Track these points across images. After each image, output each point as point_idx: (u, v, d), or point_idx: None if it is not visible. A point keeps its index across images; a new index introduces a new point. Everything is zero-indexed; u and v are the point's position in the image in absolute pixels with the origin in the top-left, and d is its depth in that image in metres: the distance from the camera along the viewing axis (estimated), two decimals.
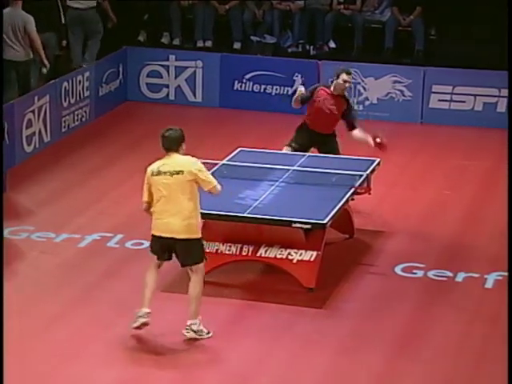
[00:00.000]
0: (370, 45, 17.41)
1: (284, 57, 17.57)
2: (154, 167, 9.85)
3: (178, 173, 9.71)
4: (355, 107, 16.14)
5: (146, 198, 9.99)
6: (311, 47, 17.69)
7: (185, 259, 9.94)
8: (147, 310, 9.85)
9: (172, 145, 9.83)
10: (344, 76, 12.84)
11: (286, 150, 13.01)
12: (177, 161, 9.79)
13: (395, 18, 17.36)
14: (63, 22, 16.94)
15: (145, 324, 9.87)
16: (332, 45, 17.55)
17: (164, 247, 9.96)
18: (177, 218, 9.73)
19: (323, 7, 17.64)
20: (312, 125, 12.93)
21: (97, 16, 17.30)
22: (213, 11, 17.86)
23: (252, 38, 17.86)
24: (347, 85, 12.91)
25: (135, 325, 9.86)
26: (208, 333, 9.97)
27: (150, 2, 18.13)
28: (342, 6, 17.54)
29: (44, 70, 15.54)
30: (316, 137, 12.97)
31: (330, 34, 17.56)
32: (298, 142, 13.01)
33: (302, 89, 12.97)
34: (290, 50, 17.75)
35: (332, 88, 12.89)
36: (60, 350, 9.86)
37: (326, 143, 12.99)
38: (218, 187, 9.94)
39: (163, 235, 9.84)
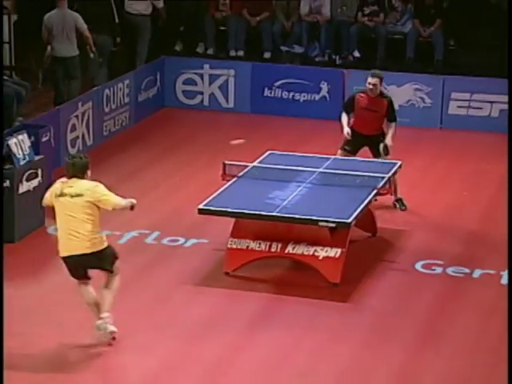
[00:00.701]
0: (393, 55, 17.37)
1: (311, 66, 17.55)
2: (57, 189, 9.59)
3: (78, 195, 9.48)
4: None
5: (45, 202, 9.88)
6: (337, 57, 17.67)
7: (102, 266, 9.74)
8: (106, 315, 9.63)
9: (77, 172, 9.57)
10: (369, 79, 12.91)
11: (339, 153, 13.03)
12: (79, 184, 9.53)
13: (416, 30, 17.31)
14: (117, 21, 17.11)
15: (112, 332, 9.66)
16: (357, 54, 17.51)
17: (77, 265, 9.66)
18: (79, 237, 9.49)
19: (348, 19, 17.61)
20: (359, 128, 12.94)
21: (148, 22, 17.48)
22: (245, 23, 17.87)
23: (281, 48, 17.86)
24: (371, 86, 12.87)
25: (106, 338, 9.67)
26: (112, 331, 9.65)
27: (186, 14, 18.14)
28: (366, 18, 17.50)
29: (92, 55, 15.99)
30: (365, 139, 12.98)
31: (355, 45, 17.52)
32: (349, 145, 13.01)
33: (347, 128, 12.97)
34: (317, 60, 17.73)
35: (367, 91, 12.92)
36: (99, 338, 9.88)
37: (374, 143, 12.98)
38: (122, 202, 9.73)
39: (72, 253, 9.57)
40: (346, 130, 12.87)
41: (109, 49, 17.08)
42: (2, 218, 11.33)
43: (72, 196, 9.45)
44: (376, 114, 12.95)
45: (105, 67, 16.85)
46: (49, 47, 15.86)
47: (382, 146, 12.82)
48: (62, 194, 9.51)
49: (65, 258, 9.65)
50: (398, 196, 13.01)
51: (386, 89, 16.31)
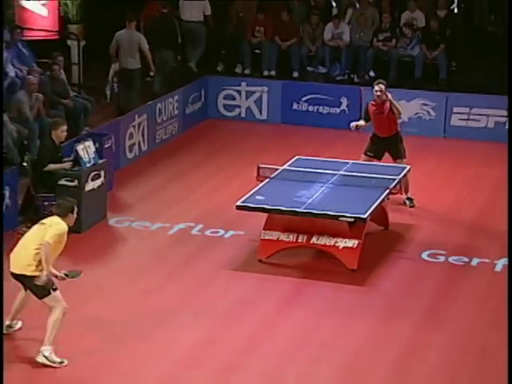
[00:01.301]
0: (403, 74, 17.30)
1: (333, 83, 17.51)
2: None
3: (42, 224, 8.93)
4: None
5: None
6: (355, 76, 17.62)
7: (34, 294, 8.90)
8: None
9: (60, 213, 8.95)
10: (375, 87, 12.91)
11: (363, 158, 12.98)
12: (53, 219, 8.92)
13: (423, 53, 17.23)
14: (179, 41, 17.21)
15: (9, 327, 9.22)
16: (372, 74, 17.45)
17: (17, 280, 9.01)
18: (21, 260, 8.82)
19: (365, 44, 17.55)
20: (377, 132, 12.88)
21: (203, 28, 17.62)
22: (276, 47, 17.86)
23: (308, 68, 17.83)
24: (378, 93, 12.83)
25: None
26: (61, 362, 8.77)
27: (227, 39, 18.16)
28: (380, 44, 17.44)
29: (151, 73, 16.20)
30: (383, 142, 12.89)
31: (371, 66, 17.48)
32: (371, 151, 12.96)
33: (360, 122, 12.93)
34: (338, 78, 17.68)
35: (375, 98, 12.90)
36: (153, 315, 9.93)
37: (393, 145, 12.90)
38: (48, 250, 8.66)
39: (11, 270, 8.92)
40: (361, 122, 12.90)
41: (171, 64, 17.19)
42: (1, 218, 10.87)
43: (40, 224, 8.95)
44: (383, 115, 12.83)
45: (160, 79, 16.91)
46: (114, 65, 16.09)
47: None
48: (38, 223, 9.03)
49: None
50: (409, 195, 12.95)
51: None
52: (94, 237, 12.00)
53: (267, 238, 11.16)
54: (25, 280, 8.83)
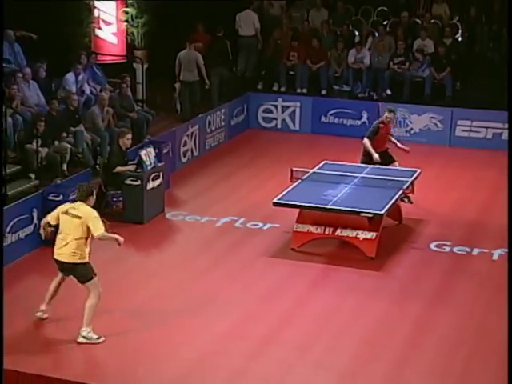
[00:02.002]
0: (415, 92, 17.11)
1: (355, 100, 17.36)
2: (64, 207, 8.75)
3: (77, 217, 8.57)
4: (404, 134, 16.20)
5: (49, 219, 8.80)
6: (374, 94, 17.44)
7: (78, 279, 8.68)
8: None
9: (81, 197, 8.68)
10: (387, 114, 12.83)
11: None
12: (81, 208, 8.62)
13: (432, 75, 17.01)
14: (230, 57, 17.35)
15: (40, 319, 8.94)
16: (388, 92, 17.27)
17: (60, 268, 8.79)
18: (65, 250, 8.59)
19: (383, 66, 17.36)
20: (377, 148, 12.58)
21: (255, 40, 17.75)
22: (307, 69, 17.73)
23: (334, 87, 17.67)
24: (388, 119, 12.78)
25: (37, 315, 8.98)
26: (99, 338, 8.55)
27: (265, 62, 18.08)
28: (395, 66, 17.23)
29: (206, 87, 16.37)
30: (379, 154, 12.68)
31: (387, 85, 17.28)
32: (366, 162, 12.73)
33: (375, 156, 12.55)
34: (359, 95, 17.51)
35: (385, 122, 12.76)
36: (202, 293, 9.89)
37: (386, 157, 12.70)
38: (105, 235, 8.52)
39: (58, 259, 8.70)
40: (377, 156, 12.48)
41: (226, 77, 17.20)
42: (2, 220, 10.16)
43: (73, 217, 8.59)
44: (388, 136, 12.80)
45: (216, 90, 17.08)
46: (177, 85, 16.29)
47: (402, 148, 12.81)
48: (66, 212, 8.66)
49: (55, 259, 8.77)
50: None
51: (409, 117, 16.35)
52: (154, 228, 11.98)
53: (299, 230, 11.07)
54: (71, 267, 8.58)
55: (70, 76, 14.54)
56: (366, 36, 18.12)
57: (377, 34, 17.97)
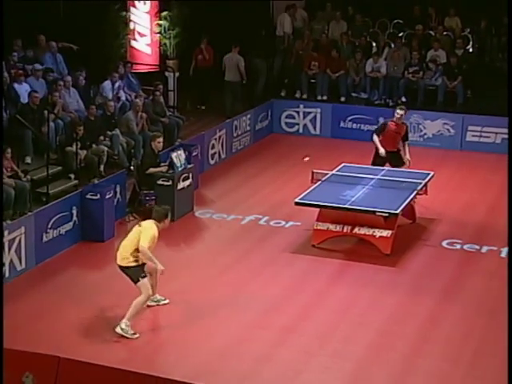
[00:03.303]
0: (428, 100, 17.01)
1: (372, 106, 17.28)
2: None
3: (140, 226, 8.69)
4: (418, 139, 16.08)
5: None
6: (390, 100, 17.35)
7: (131, 279, 8.66)
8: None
9: (156, 217, 8.75)
10: (398, 110, 12.68)
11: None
12: (147, 224, 8.69)
13: (444, 83, 16.91)
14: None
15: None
16: (403, 99, 17.15)
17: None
18: (120, 252, 8.68)
19: (398, 75, 17.29)
20: (386, 146, 12.51)
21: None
22: (327, 77, 17.68)
23: (352, 94, 17.61)
24: (398, 116, 12.60)
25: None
26: (134, 333, 8.50)
27: (288, 71, 18.07)
28: (410, 75, 17.15)
29: (244, 82, 16.79)
30: (389, 154, 12.58)
31: (403, 92, 17.21)
32: (379, 162, 12.62)
33: (381, 150, 12.51)
34: (376, 102, 17.43)
35: (395, 119, 12.64)
36: (229, 286, 9.92)
37: (396, 158, 12.67)
38: (146, 251, 8.46)
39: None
40: (382, 150, 12.47)
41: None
42: (2, 222, 9.86)
43: (137, 225, 8.77)
44: (398, 136, 12.60)
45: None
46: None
47: (406, 159, 12.54)
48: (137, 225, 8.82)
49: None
50: None
51: (423, 123, 16.22)
52: (184, 225, 12.02)
53: (319, 227, 11.06)
54: (123, 269, 8.64)
55: (107, 84, 14.64)
56: (382, 47, 18.06)
57: (393, 45, 17.90)
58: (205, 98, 17.46)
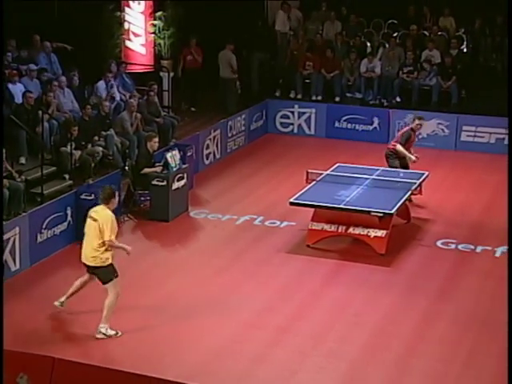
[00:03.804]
0: (423, 100, 17.03)
1: (367, 106, 17.31)
2: (90, 211, 8.67)
3: (94, 220, 8.52)
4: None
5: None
6: (384, 101, 17.38)
7: (100, 280, 8.64)
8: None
9: (103, 199, 8.58)
10: (417, 121, 12.91)
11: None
12: (100, 212, 8.53)
13: (439, 83, 16.94)
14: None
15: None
16: (398, 99, 17.20)
17: (86, 269, 8.77)
18: (87, 253, 8.58)
19: (392, 75, 17.31)
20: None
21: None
22: (322, 77, 17.69)
23: (347, 94, 17.61)
24: (419, 126, 12.96)
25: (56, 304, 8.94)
26: (116, 333, 8.51)
27: (283, 71, 18.07)
28: (405, 75, 17.17)
29: (236, 76, 17.02)
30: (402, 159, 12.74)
31: (397, 92, 17.23)
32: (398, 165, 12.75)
33: (412, 158, 12.59)
34: (371, 102, 17.44)
35: (415, 128, 12.89)
36: (223, 287, 9.92)
37: (406, 161, 12.73)
38: (113, 241, 8.38)
39: (82, 261, 8.71)
40: (413, 157, 12.52)
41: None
42: (1, 222, 9.82)
43: (93, 219, 8.55)
44: (413, 143, 12.88)
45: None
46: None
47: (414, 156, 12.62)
48: (89, 216, 8.65)
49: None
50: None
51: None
52: (178, 225, 12.01)
53: (314, 227, 11.06)
54: (94, 270, 8.59)
55: (101, 84, 14.62)
56: (377, 47, 18.09)
57: (387, 45, 17.92)
58: (195, 100, 17.42)
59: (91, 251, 8.51)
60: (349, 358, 8.31)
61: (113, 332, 8.50)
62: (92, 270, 8.65)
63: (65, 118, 13.12)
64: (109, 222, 8.44)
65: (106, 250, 8.48)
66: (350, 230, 10.90)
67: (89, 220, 8.59)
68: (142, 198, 12.05)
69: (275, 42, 18.38)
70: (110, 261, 8.54)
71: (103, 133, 13.29)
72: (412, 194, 11.65)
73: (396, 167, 12.67)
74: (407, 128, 13.16)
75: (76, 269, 9.63)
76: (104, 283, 8.58)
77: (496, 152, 15.50)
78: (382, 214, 10.65)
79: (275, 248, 11.14)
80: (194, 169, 13.72)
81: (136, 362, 8.02)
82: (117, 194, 8.77)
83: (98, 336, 8.48)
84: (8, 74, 13.37)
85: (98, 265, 8.52)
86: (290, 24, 18.54)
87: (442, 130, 16.37)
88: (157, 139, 12.34)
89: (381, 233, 10.76)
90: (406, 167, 12.76)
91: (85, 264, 8.68)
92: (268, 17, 19.10)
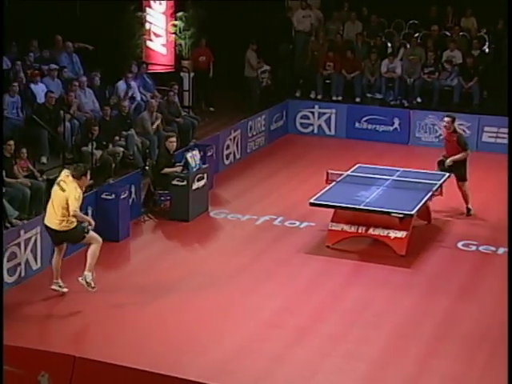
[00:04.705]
0: (444, 100, 16.96)
1: (388, 107, 17.26)
2: (58, 179, 8.99)
3: (62, 190, 8.86)
4: (434, 140, 16.02)
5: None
6: (405, 101, 17.32)
7: (72, 242, 9.11)
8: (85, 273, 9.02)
9: (76, 175, 8.87)
10: (444, 119, 12.56)
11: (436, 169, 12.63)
12: (70, 184, 8.84)
13: (460, 84, 16.86)
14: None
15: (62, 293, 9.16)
16: (419, 100, 17.14)
17: (51, 235, 9.07)
18: (53, 218, 8.91)
19: (414, 75, 17.26)
20: (446, 153, 12.46)
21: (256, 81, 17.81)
22: (342, 78, 17.67)
23: (367, 94, 17.58)
24: (443, 124, 12.54)
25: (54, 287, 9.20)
26: (93, 287, 8.97)
27: (303, 72, 18.07)
28: (426, 76, 17.12)
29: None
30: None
31: (418, 93, 17.17)
32: (440, 165, 12.50)
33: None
34: (391, 103, 17.40)
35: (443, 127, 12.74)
36: (243, 287, 9.93)
37: (456, 168, 12.32)
38: (77, 213, 8.78)
39: (47, 224, 9.02)
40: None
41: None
42: (1, 223, 10.13)
43: (61, 189, 8.87)
44: (448, 143, 12.48)
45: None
46: None
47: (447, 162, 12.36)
48: (58, 183, 8.94)
49: (45, 226, 9.07)
50: (469, 206, 12.47)
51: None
52: (198, 225, 12.05)
53: (334, 228, 11.05)
54: (62, 236, 8.89)
55: (122, 84, 14.71)
56: (398, 47, 18.03)
57: (408, 46, 17.87)
58: (210, 100, 17.43)
59: (56, 217, 8.83)
60: (368, 359, 8.29)
61: (93, 284, 8.90)
62: (60, 238, 8.94)
63: (86, 118, 13.21)
64: (75, 194, 8.75)
65: (68, 217, 8.79)
66: (370, 230, 10.88)
67: (57, 187, 8.89)
68: (162, 198, 12.10)
69: (295, 41, 18.40)
70: (75, 223, 8.86)
71: (124, 133, 13.37)
72: (433, 195, 11.59)
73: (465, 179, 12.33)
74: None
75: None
76: (77, 242, 8.98)
77: None
78: (402, 215, 10.61)
79: (295, 248, 11.14)
80: (214, 169, 13.75)
81: (156, 361, 8.05)
82: (89, 173, 9.05)
83: (81, 281, 8.94)
84: (30, 74, 13.49)
85: (64, 229, 8.84)
86: (310, 22, 18.53)
87: (464, 130, 16.17)
88: (173, 139, 12.35)
89: (401, 234, 10.73)
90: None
91: (49, 228, 8.91)
92: (289, 16, 19.10)
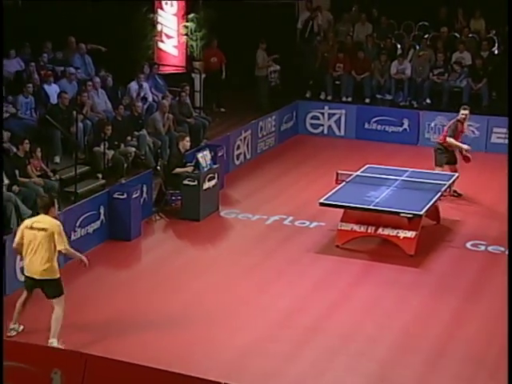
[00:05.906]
0: (453, 102, 16.87)
1: (397, 108, 17.22)
2: (28, 223, 8.06)
3: (43, 230, 7.93)
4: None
5: (17, 240, 8.10)
6: (415, 102, 17.28)
7: (47, 294, 8.11)
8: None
9: (43, 208, 8.05)
10: (461, 111, 12.85)
11: (446, 168, 12.75)
12: (45, 220, 7.98)
13: (469, 85, 16.80)
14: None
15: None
16: (428, 101, 17.10)
17: (29, 284, 8.18)
18: (36, 267, 7.99)
19: (423, 77, 17.21)
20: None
21: (266, 79, 17.81)
22: (352, 79, 17.64)
23: (377, 95, 17.56)
24: (463, 116, 12.88)
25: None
26: (63, 342, 8.05)
27: (313, 73, 18.04)
28: (435, 77, 17.07)
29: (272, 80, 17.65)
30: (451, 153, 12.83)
31: (427, 94, 17.12)
32: (451, 161, 12.78)
33: (464, 147, 12.75)
34: (401, 104, 17.36)
35: (461, 119, 12.89)
36: (253, 286, 9.92)
37: (453, 155, 12.77)
38: (69, 250, 8.06)
39: (28, 275, 8.13)
40: (466, 146, 12.68)
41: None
42: (1, 223, 9.70)
43: (39, 230, 7.94)
44: (461, 135, 12.85)
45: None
46: None
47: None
48: (31, 228, 8.01)
49: (26, 276, 8.22)
50: (454, 188, 12.69)
51: None
52: (209, 224, 12.05)
53: (343, 228, 11.03)
54: (44, 284, 8.05)
55: (134, 84, 14.73)
56: (407, 49, 18.00)
57: (418, 47, 17.83)
58: (220, 101, 17.44)
59: (43, 264, 7.94)
60: (378, 358, 8.27)
61: (61, 344, 8.00)
62: (41, 284, 8.06)
63: (98, 119, 13.24)
64: (58, 230, 7.93)
65: (54, 260, 7.99)
66: (380, 230, 10.85)
67: (33, 232, 7.94)
68: (174, 198, 12.11)
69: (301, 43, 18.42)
70: (58, 274, 8.06)
71: (136, 133, 13.38)
72: (442, 195, 11.56)
73: (441, 164, 12.51)
74: (453, 120, 13.05)
75: (109, 267, 9.74)
76: (53, 297, 8.08)
77: None
78: (411, 215, 10.59)
79: (305, 248, 11.12)
80: (225, 169, 13.75)
81: (167, 359, 8.06)
82: (56, 202, 8.30)
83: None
84: (43, 75, 13.53)
85: (49, 277, 7.99)
86: (317, 24, 18.48)
87: (473, 131, 16.17)
88: (188, 138, 12.40)
89: (410, 234, 10.70)
90: (454, 162, 12.62)
91: (30, 278, 8.10)
92: (299, 16, 19.09)
